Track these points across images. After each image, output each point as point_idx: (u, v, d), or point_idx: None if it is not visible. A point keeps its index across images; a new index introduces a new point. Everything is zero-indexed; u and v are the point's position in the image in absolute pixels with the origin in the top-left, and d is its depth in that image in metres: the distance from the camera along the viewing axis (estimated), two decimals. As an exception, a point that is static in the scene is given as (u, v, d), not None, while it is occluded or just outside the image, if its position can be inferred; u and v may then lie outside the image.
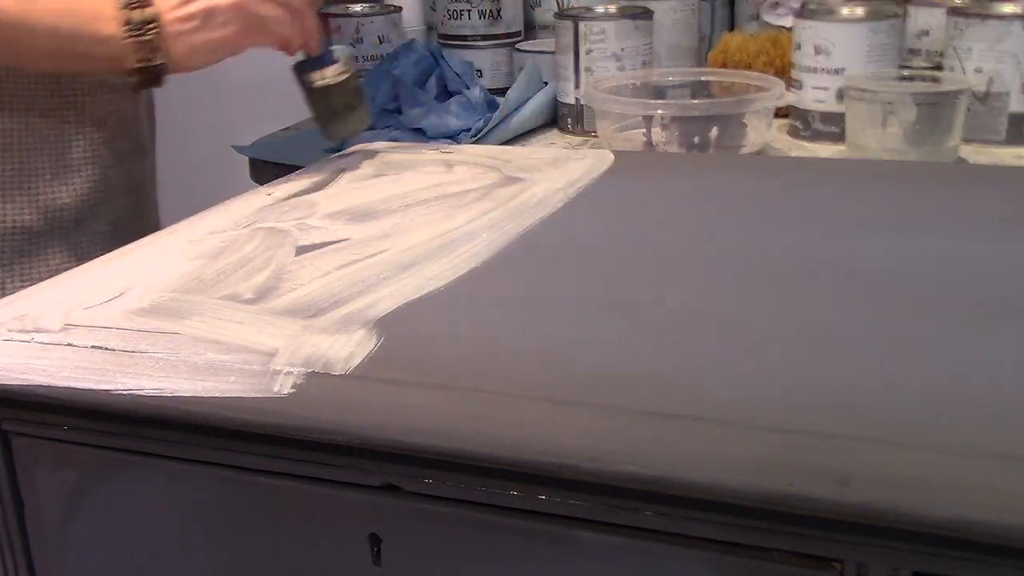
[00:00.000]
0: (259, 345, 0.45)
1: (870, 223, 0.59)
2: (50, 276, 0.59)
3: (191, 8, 0.71)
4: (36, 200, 0.76)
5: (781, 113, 1.07)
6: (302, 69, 0.79)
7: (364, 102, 0.82)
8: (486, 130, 1.09)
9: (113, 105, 0.80)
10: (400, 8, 1.33)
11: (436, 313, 0.49)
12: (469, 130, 1.11)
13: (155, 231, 0.67)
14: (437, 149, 0.82)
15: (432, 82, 1.19)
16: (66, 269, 0.60)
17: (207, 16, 0.71)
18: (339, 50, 0.81)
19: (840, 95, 0.99)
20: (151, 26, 0.69)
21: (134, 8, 0.69)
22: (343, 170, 0.76)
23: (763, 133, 0.99)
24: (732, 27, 1.28)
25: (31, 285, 0.56)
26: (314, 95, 0.80)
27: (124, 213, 0.82)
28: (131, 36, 0.69)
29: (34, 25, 0.68)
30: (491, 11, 1.27)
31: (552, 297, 0.50)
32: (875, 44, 0.99)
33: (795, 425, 0.37)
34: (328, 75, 0.79)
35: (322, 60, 0.79)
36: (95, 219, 0.80)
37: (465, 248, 0.57)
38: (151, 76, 0.71)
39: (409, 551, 0.43)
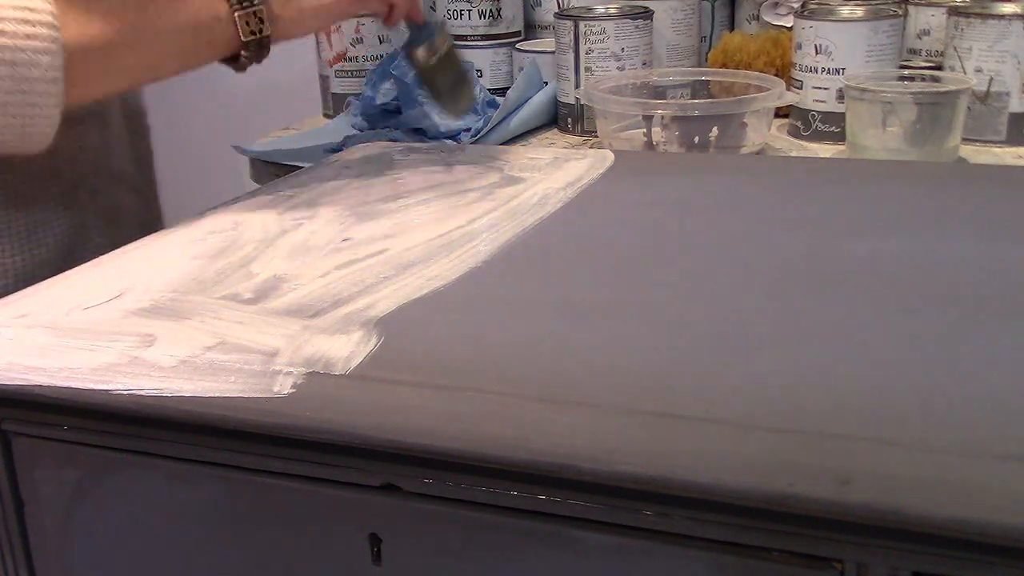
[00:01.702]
0: (259, 345, 0.45)
1: (870, 223, 0.59)
2: None
3: None
4: (8, 262, 0.71)
5: (781, 113, 1.07)
6: (411, 46, 0.79)
7: (470, 71, 0.83)
8: (486, 130, 1.09)
9: (77, 141, 0.76)
10: (400, 8, 1.33)
11: (436, 313, 0.49)
12: (469, 130, 1.11)
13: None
14: (437, 149, 0.82)
15: None
16: None
17: None
18: (435, 23, 0.81)
19: (840, 95, 0.99)
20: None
21: None
22: (343, 170, 0.76)
23: (763, 133, 0.99)
24: (732, 27, 1.28)
25: None
26: (431, 72, 0.80)
27: (108, 246, 0.76)
28: (240, 8, 0.70)
29: (159, 29, 0.68)
30: (491, 11, 1.27)
31: (552, 297, 0.50)
32: (875, 44, 0.99)
33: (795, 425, 0.37)
34: (439, 48, 0.79)
35: (426, 32, 0.79)
36: (77, 260, 0.73)
37: (465, 248, 0.57)
38: (260, 48, 0.72)
39: (409, 551, 0.43)
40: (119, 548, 0.49)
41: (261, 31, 0.71)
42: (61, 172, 0.76)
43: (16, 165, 0.71)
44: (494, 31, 1.28)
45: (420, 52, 0.79)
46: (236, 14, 0.70)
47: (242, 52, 0.72)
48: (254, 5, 0.71)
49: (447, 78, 0.80)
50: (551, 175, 0.71)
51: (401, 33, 1.36)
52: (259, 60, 0.73)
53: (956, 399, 0.38)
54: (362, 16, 0.84)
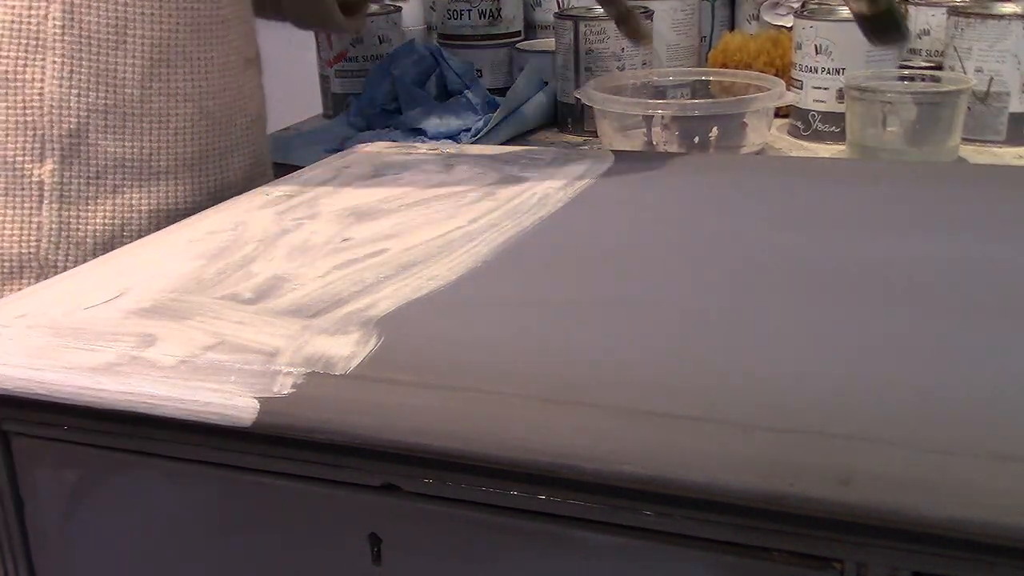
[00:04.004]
0: (259, 345, 0.45)
1: (870, 223, 0.59)
2: None
3: None
4: (208, 183, 0.75)
5: (781, 113, 1.08)
6: None
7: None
8: (486, 130, 1.09)
9: (256, 80, 0.80)
10: (400, 8, 1.33)
11: (436, 313, 0.49)
12: (469, 130, 1.11)
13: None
14: (437, 149, 0.82)
15: (432, 82, 1.19)
16: None
17: None
18: None
19: (840, 95, 0.99)
20: None
21: None
22: (343, 170, 0.76)
23: (763, 133, 0.99)
24: (732, 27, 1.28)
25: None
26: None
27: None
28: None
29: None
30: (491, 11, 1.27)
31: (552, 297, 0.50)
32: (875, 44, 0.99)
33: (795, 425, 0.37)
34: None
35: None
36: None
37: (465, 248, 0.57)
38: None
39: (409, 551, 0.43)
40: (119, 548, 0.49)
41: None
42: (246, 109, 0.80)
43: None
44: (494, 31, 1.28)
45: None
46: None
47: None
48: None
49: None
50: (551, 175, 0.71)
51: (401, 35, 1.36)
52: None
53: (956, 399, 0.38)
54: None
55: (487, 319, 0.48)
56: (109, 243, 0.71)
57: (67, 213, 0.69)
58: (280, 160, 1.11)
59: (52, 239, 0.69)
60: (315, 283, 0.53)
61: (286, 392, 0.42)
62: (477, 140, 1.09)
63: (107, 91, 0.69)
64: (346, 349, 0.44)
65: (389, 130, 1.15)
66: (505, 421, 0.39)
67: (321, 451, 0.42)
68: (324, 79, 1.31)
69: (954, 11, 1.00)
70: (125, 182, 0.71)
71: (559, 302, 0.49)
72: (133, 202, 0.71)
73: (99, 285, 0.54)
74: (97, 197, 0.70)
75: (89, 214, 0.70)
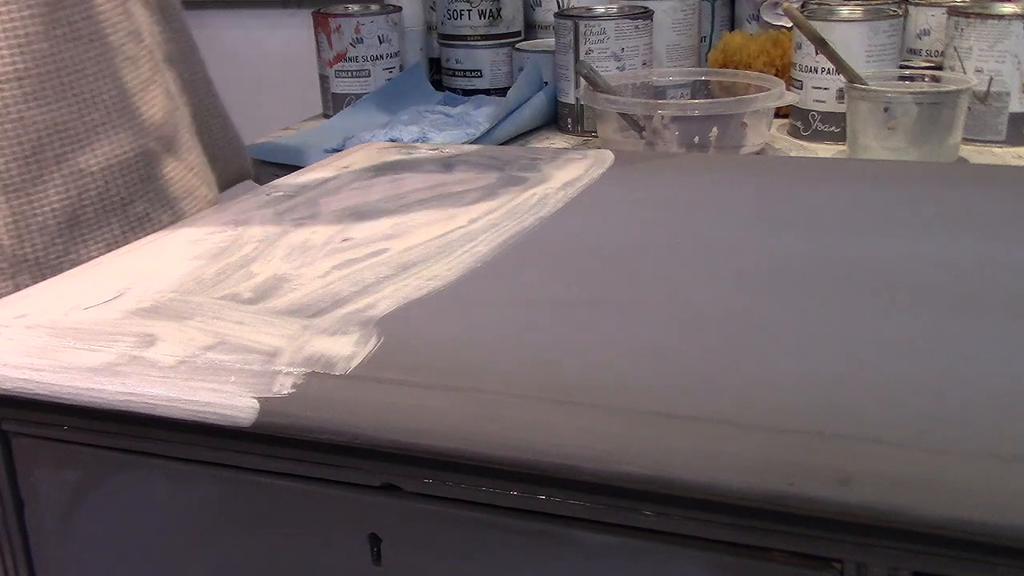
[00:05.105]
0: (259, 345, 0.45)
1: (870, 223, 0.59)
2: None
3: None
4: (142, 121, 0.70)
5: (781, 113, 1.08)
6: None
7: None
8: (486, 130, 1.09)
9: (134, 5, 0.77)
10: (400, 8, 1.33)
11: (436, 313, 0.49)
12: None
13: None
14: (437, 149, 0.82)
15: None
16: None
17: None
18: None
19: (840, 95, 0.99)
20: None
21: None
22: (343, 170, 0.76)
23: (763, 133, 0.99)
24: (732, 27, 1.28)
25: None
26: None
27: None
28: None
29: None
30: (491, 11, 1.27)
31: (552, 297, 0.50)
32: (875, 44, 0.99)
33: (795, 425, 0.37)
34: None
35: None
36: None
37: (465, 248, 0.57)
38: None
39: (409, 551, 0.43)
40: (119, 548, 0.49)
41: None
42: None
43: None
44: (494, 31, 1.28)
45: None
46: None
47: None
48: None
49: None
50: (551, 175, 0.71)
51: (401, 35, 1.36)
52: None
53: (956, 399, 0.38)
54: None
55: (487, 319, 0.48)
56: (73, 218, 0.64)
57: (17, 201, 0.62)
58: (280, 160, 1.11)
59: (12, 233, 0.62)
60: (315, 283, 0.53)
61: (286, 392, 0.42)
62: (477, 140, 1.09)
63: (12, 53, 0.60)
64: (346, 349, 0.44)
65: (389, 129, 1.14)
66: (505, 421, 0.39)
67: (321, 451, 0.42)
68: (324, 79, 1.31)
69: (954, 11, 1.00)
70: (66, 148, 0.63)
71: (559, 302, 0.49)
72: (82, 166, 0.64)
73: (99, 285, 0.54)
74: (42, 175, 0.62)
75: (40, 194, 0.63)
